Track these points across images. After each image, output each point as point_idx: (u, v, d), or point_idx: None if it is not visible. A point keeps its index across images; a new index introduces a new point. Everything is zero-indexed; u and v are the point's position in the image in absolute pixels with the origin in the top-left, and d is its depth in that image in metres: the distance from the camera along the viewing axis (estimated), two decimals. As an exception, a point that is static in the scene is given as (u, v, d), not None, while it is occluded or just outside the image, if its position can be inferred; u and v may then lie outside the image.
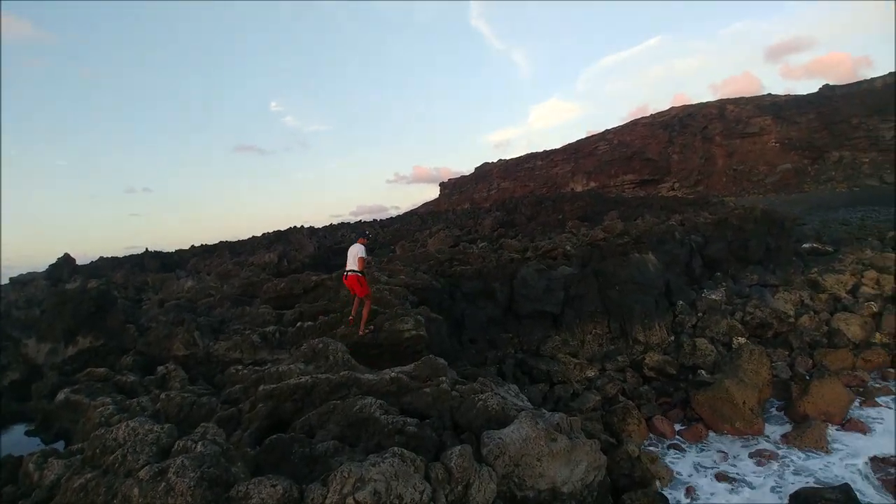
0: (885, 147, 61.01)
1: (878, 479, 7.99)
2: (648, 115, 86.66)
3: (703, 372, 11.22)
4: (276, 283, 14.36)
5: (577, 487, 4.26)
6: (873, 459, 8.33)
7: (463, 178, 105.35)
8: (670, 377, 11.53)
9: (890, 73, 69.27)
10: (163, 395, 7.57)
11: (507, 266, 14.15)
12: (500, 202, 38.16)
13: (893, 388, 10.92)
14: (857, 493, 7.62)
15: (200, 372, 9.98)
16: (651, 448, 9.26)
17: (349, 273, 8.95)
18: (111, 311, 12.66)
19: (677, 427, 9.86)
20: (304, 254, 30.26)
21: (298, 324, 10.72)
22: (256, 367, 8.93)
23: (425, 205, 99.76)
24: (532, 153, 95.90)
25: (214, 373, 9.80)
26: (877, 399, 10.44)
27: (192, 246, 39.53)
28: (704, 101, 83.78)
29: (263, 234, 39.96)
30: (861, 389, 10.84)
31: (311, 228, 43.07)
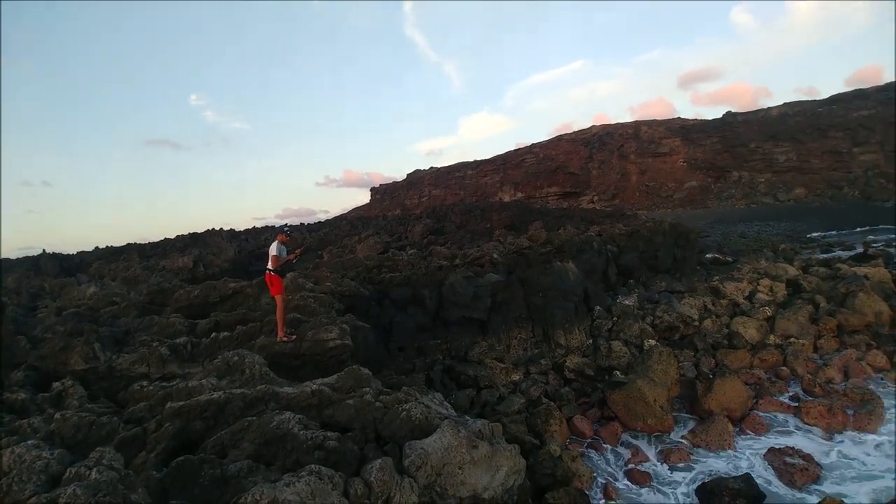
0: (778, 169, 69.18)
1: (774, 468, 8.87)
2: (572, 131, 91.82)
3: (618, 372, 11.90)
4: (190, 290, 13.39)
5: (497, 493, 4.32)
6: (770, 450, 9.23)
7: (395, 183, 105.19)
8: (589, 378, 12.12)
9: (784, 104, 78.92)
10: (57, 415, 6.74)
11: (435, 273, 14.22)
12: (431, 209, 38.44)
13: (788, 387, 12.15)
14: (758, 481, 8.48)
15: (102, 388, 9.01)
16: (571, 448, 9.64)
17: (265, 272, 8.63)
18: (-1, 319, 11.10)
19: (595, 426, 10.36)
20: (222, 258, 28.53)
21: (213, 334, 10.02)
22: (164, 384, 8.21)
23: (356, 210, 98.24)
24: (463, 162, 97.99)
25: (118, 389, 8.90)
26: (770, 395, 11.52)
27: (97, 248, 35.97)
28: (622, 121, 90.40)
29: (177, 237, 37.13)
30: (757, 387, 11.97)
31: (232, 231, 40.71)
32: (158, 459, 5.74)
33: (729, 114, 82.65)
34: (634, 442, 9.99)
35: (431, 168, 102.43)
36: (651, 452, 9.65)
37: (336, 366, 8.11)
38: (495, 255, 15.47)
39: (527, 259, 15.46)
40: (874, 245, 27.96)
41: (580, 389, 11.73)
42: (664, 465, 9.27)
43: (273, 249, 8.59)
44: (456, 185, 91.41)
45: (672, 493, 8.52)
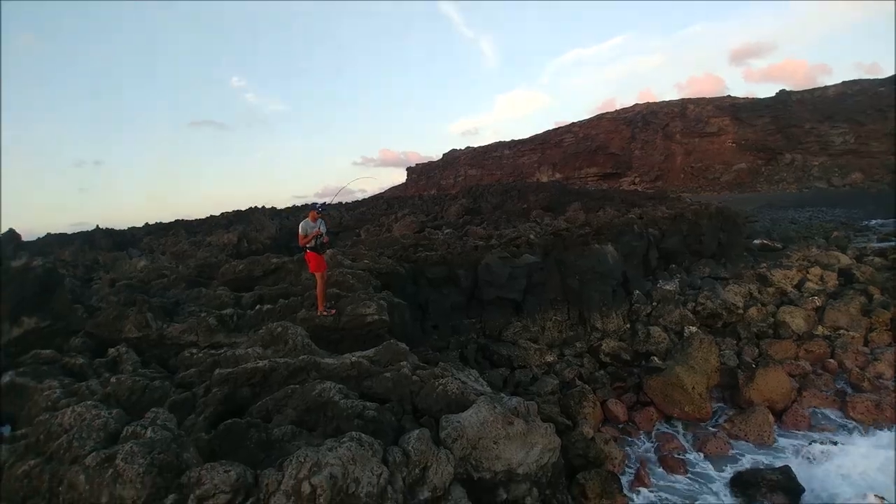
0: (834, 152, 64.67)
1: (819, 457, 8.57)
2: (613, 110, 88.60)
3: (656, 358, 11.68)
4: (235, 264, 13.93)
5: (532, 469, 4.37)
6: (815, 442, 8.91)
7: (431, 163, 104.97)
8: (625, 363, 11.95)
9: (843, 83, 73.25)
10: (113, 379, 7.24)
11: (471, 253, 14.23)
12: (467, 189, 38.23)
13: (832, 377, 11.59)
14: (798, 466, 8.24)
15: (153, 355, 9.61)
16: (605, 431, 9.60)
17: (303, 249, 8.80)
18: (58, 290, 11.96)
19: (630, 411, 10.26)
20: (264, 235, 29.43)
21: (257, 307, 10.44)
22: (212, 351, 8.67)
23: (392, 189, 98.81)
24: (499, 142, 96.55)
25: (168, 356, 9.46)
26: (815, 387, 11.03)
27: (147, 224, 37.78)
28: (668, 99, 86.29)
29: (222, 214, 38.51)
30: (802, 379, 11.49)
31: (273, 209, 41.75)
32: (207, 422, 6.08)
33: (782, 92, 77.43)
34: (670, 430, 9.85)
35: (467, 148, 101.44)
36: (687, 440, 9.50)
37: (373, 340, 8.32)
38: (532, 237, 15.32)
39: (564, 241, 15.22)
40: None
41: (616, 374, 11.60)
42: (699, 453, 9.11)
43: (300, 228, 8.61)
44: (492, 165, 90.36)
45: (707, 484, 8.39)
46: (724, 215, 22.35)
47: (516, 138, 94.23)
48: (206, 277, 14.13)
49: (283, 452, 4.39)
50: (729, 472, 8.57)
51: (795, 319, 13.98)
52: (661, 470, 8.71)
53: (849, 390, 10.92)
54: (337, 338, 8.75)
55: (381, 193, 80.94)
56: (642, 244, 17.84)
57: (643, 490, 8.28)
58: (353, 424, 4.72)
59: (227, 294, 11.75)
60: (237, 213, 37.82)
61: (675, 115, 79.15)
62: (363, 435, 3.86)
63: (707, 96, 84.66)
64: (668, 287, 15.65)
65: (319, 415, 5.18)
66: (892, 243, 24.69)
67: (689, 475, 8.59)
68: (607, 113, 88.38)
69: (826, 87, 74.65)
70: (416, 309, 13.01)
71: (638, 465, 8.70)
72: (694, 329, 13.08)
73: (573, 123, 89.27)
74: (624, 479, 8.23)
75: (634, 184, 71.41)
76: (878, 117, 62.69)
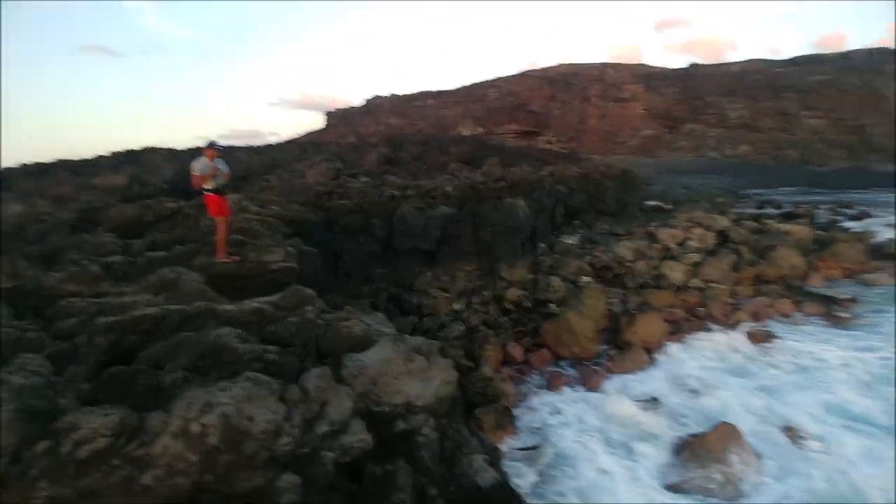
0: (729, 125, 71.06)
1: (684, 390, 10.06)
2: (539, 68, 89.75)
3: (553, 305, 12.66)
4: (123, 208, 12.69)
5: (430, 401, 4.68)
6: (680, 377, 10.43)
7: (351, 109, 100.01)
8: (526, 310, 12.84)
9: (746, 61, 79.65)
10: (-22, 332, 6.40)
11: (387, 203, 14.16)
12: (387, 138, 37.29)
13: (701, 323, 13.36)
14: (664, 398, 9.56)
15: (29, 307, 8.60)
16: (503, 371, 10.42)
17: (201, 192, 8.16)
18: None
19: (527, 353, 11.17)
20: (159, 178, 26.82)
21: (149, 253, 9.66)
22: (95, 300, 7.96)
23: (309, 134, 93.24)
24: (424, 91, 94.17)
25: (47, 308, 8.54)
26: (686, 331, 12.70)
27: (23, 164, 32.78)
28: (590, 62, 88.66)
29: (112, 154, 34.46)
30: (675, 324, 13.12)
31: (171, 151, 38.11)
32: (90, 373, 5.68)
33: (693, 65, 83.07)
34: (559, 369, 10.92)
35: (391, 95, 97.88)
36: (572, 375, 10.63)
37: (280, 288, 8.10)
38: (448, 189, 15.51)
39: (479, 194, 15.63)
40: (803, 206, 30.10)
41: (517, 320, 12.44)
42: (582, 387, 10.27)
43: (195, 168, 7.87)
44: (415, 115, 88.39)
45: (590, 410, 9.55)
46: (627, 177, 24.13)
47: (441, 89, 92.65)
48: (91, 223, 12.75)
49: (175, 398, 4.27)
50: (607, 402, 9.78)
51: (675, 273, 15.72)
52: (548, 402, 9.72)
53: (714, 332, 12.66)
54: (240, 285, 8.40)
55: (296, 138, 76.18)
56: (551, 201, 18.83)
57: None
58: (251, 368, 4.67)
59: (113, 241, 10.71)
60: (129, 153, 33.97)
61: (595, 78, 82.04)
62: (259, 375, 3.86)
63: (627, 62, 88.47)
64: (569, 241, 16.79)
65: (216, 360, 5.05)
66: (765, 210, 28.37)
67: (573, 407, 9.68)
68: (532, 71, 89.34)
69: (731, 64, 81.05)
70: (330, 257, 12.81)
71: (530, 402, 9.65)
72: (588, 279, 14.28)
73: (498, 78, 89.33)
74: (517, 413, 9.09)
75: (550, 143, 73.99)
76: (771, 96, 69.53)
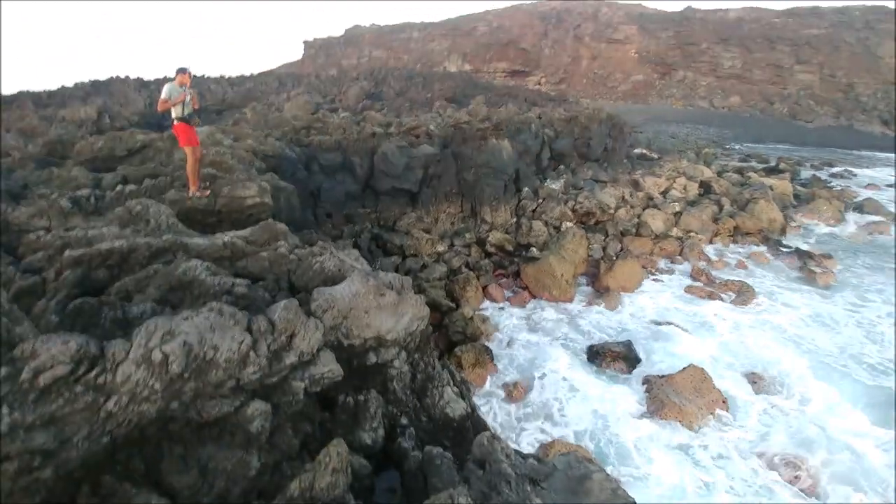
0: (721, 74, 69.45)
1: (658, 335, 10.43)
2: (530, 1, 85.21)
3: (535, 249, 12.74)
4: (93, 141, 12.05)
5: (400, 335, 4.69)
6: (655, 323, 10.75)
7: (331, 39, 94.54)
8: (508, 253, 12.91)
9: (743, 8, 76.56)
10: (-58, 271, 6.14)
11: (368, 140, 13.68)
12: (370, 72, 35.59)
13: (677, 270, 13.67)
14: (639, 341, 9.89)
15: (-1, 242, 8.28)
16: (484, 311, 10.59)
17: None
18: None
19: (507, 294, 11.32)
20: (130, 110, 25.51)
21: (119, 187, 9.26)
22: (62, 233, 7.68)
23: (286, 66, 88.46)
24: (409, 23, 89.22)
25: (16, 244, 8.24)
26: (663, 278, 12.99)
27: (-15, 96, 30.67)
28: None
29: (76, 85, 32.51)
30: (654, 270, 13.37)
31: (141, 80, 36.10)
32: (59, 307, 5.55)
33: (688, 9, 79.69)
34: (537, 308, 11.14)
35: (373, 25, 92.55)
36: (549, 315, 10.88)
37: (254, 224, 7.91)
38: (432, 127, 15.01)
39: (463, 134, 15.17)
40: (787, 161, 30.17)
41: (499, 262, 12.53)
42: (560, 325, 10.55)
43: (164, 92, 7.36)
44: (400, 48, 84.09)
45: (567, 343, 9.87)
46: (613, 123, 23.63)
47: (427, 21, 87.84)
48: (60, 157, 12.18)
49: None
50: (583, 339, 10.08)
51: (656, 221, 15.87)
52: (527, 338, 10.00)
53: (690, 280, 12.99)
54: (213, 221, 8.17)
55: (272, 70, 72.16)
56: (537, 143, 18.44)
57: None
58: (221, 301, 4.58)
59: (83, 175, 10.24)
60: (95, 83, 32.08)
61: (589, 16, 78.45)
62: (224, 306, 3.76)
63: (620, 1, 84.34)
64: (554, 186, 16.65)
65: (185, 293, 4.94)
66: (749, 164, 28.36)
67: (550, 341, 9.99)
68: (523, 4, 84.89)
69: (727, 11, 78.01)
70: (308, 196, 12.50)
71: (509, 338, 9.89)
72: (570, 224, 14.31)
73: (488, 11, 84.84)
74: (496, 350, 9.34)
75: (540, 84, 71.71)
76: (765, 47, 67.69)
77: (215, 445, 3.63)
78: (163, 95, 7.38)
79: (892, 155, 35.20)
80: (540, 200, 15.64)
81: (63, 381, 3.37)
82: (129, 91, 29.19)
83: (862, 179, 26.74)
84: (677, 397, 8.02)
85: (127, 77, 34.92)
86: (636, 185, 19.48)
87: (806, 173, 27.15)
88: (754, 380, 8.93)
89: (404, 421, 4.66)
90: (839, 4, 70.87)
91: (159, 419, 3.55)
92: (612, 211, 16.28)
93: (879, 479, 6.81)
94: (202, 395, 3.51)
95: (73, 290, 6.04)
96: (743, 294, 12.02)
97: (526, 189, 15.85)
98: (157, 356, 3.28)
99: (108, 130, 19.72)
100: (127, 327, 4.66)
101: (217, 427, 3.76)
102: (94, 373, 3.36)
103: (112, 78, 33.94)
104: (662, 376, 8.57)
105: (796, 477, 6.83)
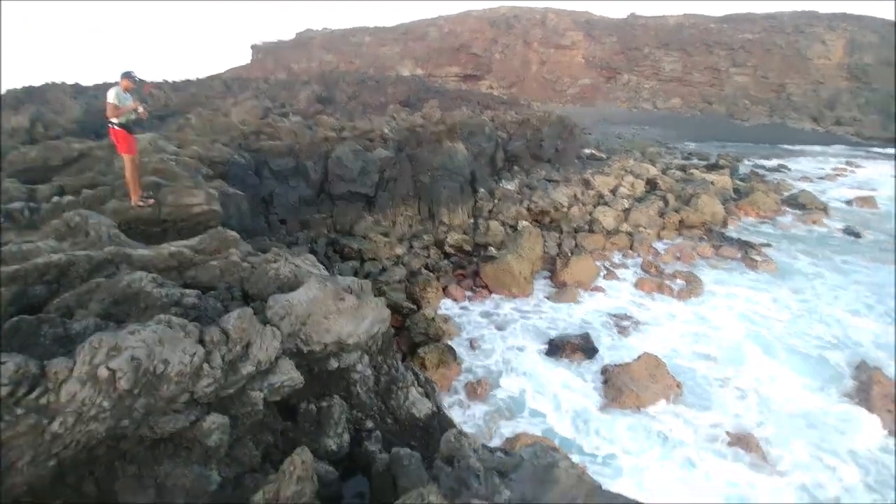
0: (663, 78, 72.97)
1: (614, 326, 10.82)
2: (481, 8, 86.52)
3: (493, 248, 12.95)
4: (25, 151, 11.31)
5: (362, 339, 4.67)
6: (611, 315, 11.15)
7: (281, 43, 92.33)
8: (466, 253, 13.06)
9: (682, 15, 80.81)
10: None
11: (321, 144, 13.48)
12: (320, 75, 35.02)
13: (629, 264, 14.25)
14: (596, 333, 10.23)
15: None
16: (446, 311, 10.67)
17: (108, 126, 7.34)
18: None
19: (468, 293, 11.45)
20: (66, 118, 24.00)
21: (56, 199, 8.71)
22: (-8, 249, 7.14)
23: (233, 70, 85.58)
24: (361, 27, 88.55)
25: (-57, 264, 7.56)
26: (615, 272, 13.50)
27: None
28: (531, 4, 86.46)
29: (7, 91, 30.41)
30: (608, 264, 13.87)
31: (77, 86, 34.10)
32: (-7, 328, 5.17)
33: (632, 16, 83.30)
34: (496, 305, 11.34)
35: (324, 29, 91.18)
36: (508, 312, 11.11)
37: (203, 233, 7.65)
38: (386, 130, 14.98)
39: (418, 137, 15.22)
40: (726, 157, 32.08)
41: (458, 263, 12.65)
42: (519, 320, 10.79)
43: (111, 96, 7.04)
44: (351, 53, 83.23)
45: (526, 338, 10.08)
46: (564, 124, 24.37)
47: (379, 25, 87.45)
48: (-11, 169, 11.31)
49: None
50: (542, 333, 10.34)
51: (607, 218, 16.49)
52: (489, 335, 10.14)
53: (641, 273, 13.57)
54: (159, 231, 7.81)
55: (218, 74, 69.50)
56: (491, 145, 18.76)
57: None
58: (170, 313, 4.41)
59: (16, 187, 9.58)
60: (28, 90, 30.09)
61: (537, 22, 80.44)
62: (174, 318, 3.64)
63: (568, 9, 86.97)
64: (509, 187, 17.00)
65: (130, 306, 4.71)
66: (691, 161, 29.95)
67: (510, 336, 10.20)
68: (473, 10, 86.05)
69: (667, 17, 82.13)
70: (260, 202, 12.19)
71: (471, 336, 10.00)
72: (526, 223, 14.65)
73: (439, 16, 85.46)
74: (458, 349, 9.42)
75: (492, 87, 72.81)
76: (704, 51, 71.72)
77: (172, 462, 3.50)
78: (111, 100, 7.01)
79: (818, 147, 38.27)
80: (496, 201, 15.91)
81: (2, 403, 3.18)
82: (64, 98, 27.44)
83: (796, 173, 28.79)
84: (634, 384, 8.37)
85: (63, 83, 32.89)
86: (587, 183, 20.16)
87: (744, 168, 28.95)
88: (707, 363, 9.45)
89: (370, 424, 4.64)
90: (771, 10, 76.08)
91: (109, 438, 3.40)
92: (565, 209, 16.78)
93: (829, 429, 7.47)
94: (154, 411, 3.38)
95: (10, 307, 5.64)
96: (691, 283, 12.69)
97: (482, 190, 16.09)
98: (103, 373, 3.13)
99: (42, 139, 18.50)
100: (69, 344, 4.40)
101: (173, 443, 3.63)
102: (35, 393, 3.17)
103: (47, 84, 31.93)
104: (619, 365, 8.92)
105: (749, 447, 7.33)
